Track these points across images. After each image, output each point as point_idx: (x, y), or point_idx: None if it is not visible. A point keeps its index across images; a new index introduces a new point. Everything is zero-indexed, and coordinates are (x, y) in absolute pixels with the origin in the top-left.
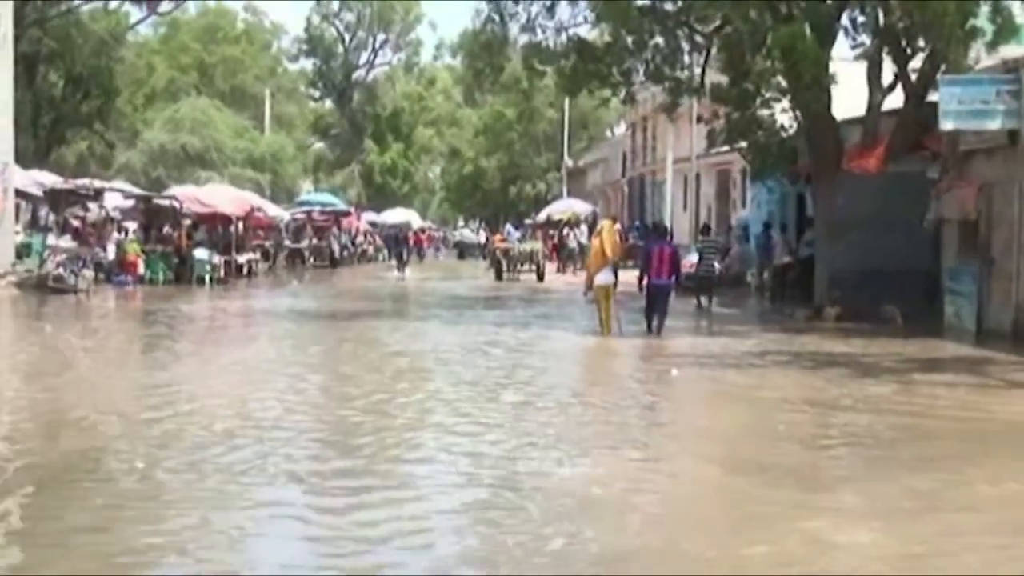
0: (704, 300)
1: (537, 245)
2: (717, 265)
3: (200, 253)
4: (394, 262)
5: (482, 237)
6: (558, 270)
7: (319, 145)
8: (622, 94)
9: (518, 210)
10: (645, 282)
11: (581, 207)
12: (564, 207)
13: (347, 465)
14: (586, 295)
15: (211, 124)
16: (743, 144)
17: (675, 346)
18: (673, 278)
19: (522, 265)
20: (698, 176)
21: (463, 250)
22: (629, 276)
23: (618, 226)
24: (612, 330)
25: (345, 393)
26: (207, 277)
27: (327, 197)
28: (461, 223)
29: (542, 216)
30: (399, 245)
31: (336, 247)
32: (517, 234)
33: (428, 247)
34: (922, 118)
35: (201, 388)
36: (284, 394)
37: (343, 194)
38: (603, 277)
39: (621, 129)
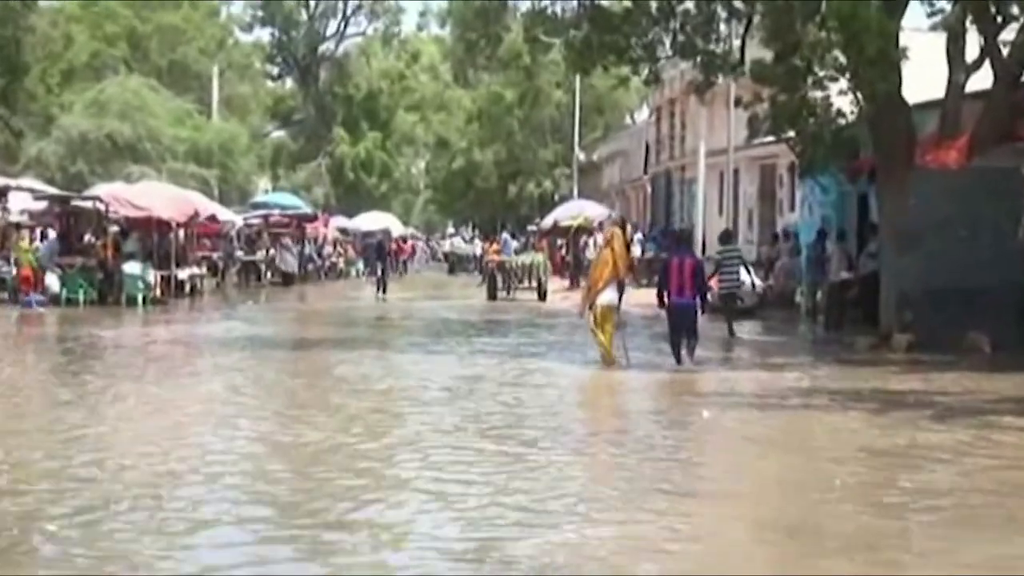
0: (729, 325)
1: (538, 257)
2: (746, 280)
3: (131, 267)
4: (371, 278)
5: (477, 247)
6: (570, 287)
7: (278, 134)
8: (645, 72)
9: (519, 213)
10: (666, 302)
11: (594, 210)
12: (574, 210)
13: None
14: (583, 315)
15: (145, 108)
16: (791, 133)
17: (704, 382)
18: (697, 297)
19: (521, 281)
20: (736, 172)
21: (454, 263)
22: (641, 295)
23: (638, 235)
24: (615, 361)
25: (291, 446)
26: (139, 297)
27: (288, 198)
28: (450, 229)
29: (548, 221)
30: (379, 258)
31: (291, 260)
32: (515, 244)
33: (412, 259)
34: (1015, 101)
35: (107, 439)
36: (212, 447)
37: (307, 194)
38: (606, 296)
39: (643, 115)
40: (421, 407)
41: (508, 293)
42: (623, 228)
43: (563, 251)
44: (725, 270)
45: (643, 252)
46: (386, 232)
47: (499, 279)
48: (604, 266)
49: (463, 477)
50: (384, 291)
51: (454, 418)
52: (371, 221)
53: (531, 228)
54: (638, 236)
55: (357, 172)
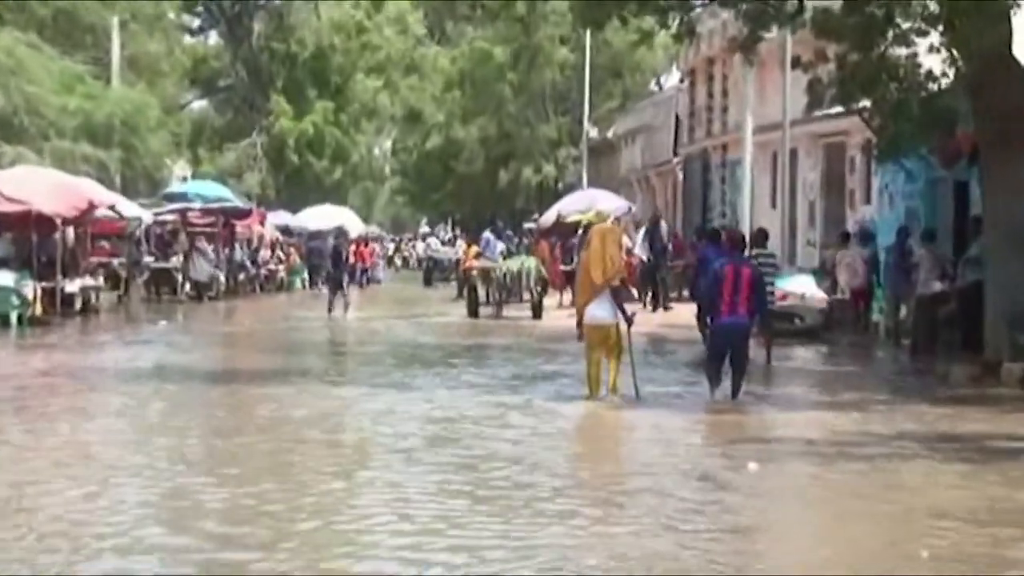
0: (767, 349)
1: (529, 262)
2: (807, 292)
3: (2, 278)
4: (322, 290)
5: (459, 251)
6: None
7: (199, 105)
8: (675, 24)
9: (512, 207)
10: (709, 322)
11: (609, 203)
12: (583, 203)
13: None
14: (581, 338)
15: (21, 71)
16: (866, 103)
17: (747, 424)
18: (750, 315)
19: (510, 294)
20: (794, 154)
21: (430, 271)
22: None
23: (642, 232)
24: (598, 392)
25: (188, 517)
26: (12, 316)
27: (213, 188)
28: (424, 228)
29: (549, 217)
30: (336, 265)
31: (205, 267)
32: (501, 245)
33: (374, 266)
34: None
35: None
36: (94, 512)
37: (238, 183)
38: (595, 312)
39: (673, 80)
40: (383, 463)
41: (496, 310)
42: (657, 223)
43: (567, 255)
44: None
45: (649, 259)
46: (341, 231)
47: (481, 291)
48: (586, 273)
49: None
50: (345, 308)
51: (431, 476)
52: (321, 217)
53: (528, 225)
54: (639, 236)
55: (302, 153)
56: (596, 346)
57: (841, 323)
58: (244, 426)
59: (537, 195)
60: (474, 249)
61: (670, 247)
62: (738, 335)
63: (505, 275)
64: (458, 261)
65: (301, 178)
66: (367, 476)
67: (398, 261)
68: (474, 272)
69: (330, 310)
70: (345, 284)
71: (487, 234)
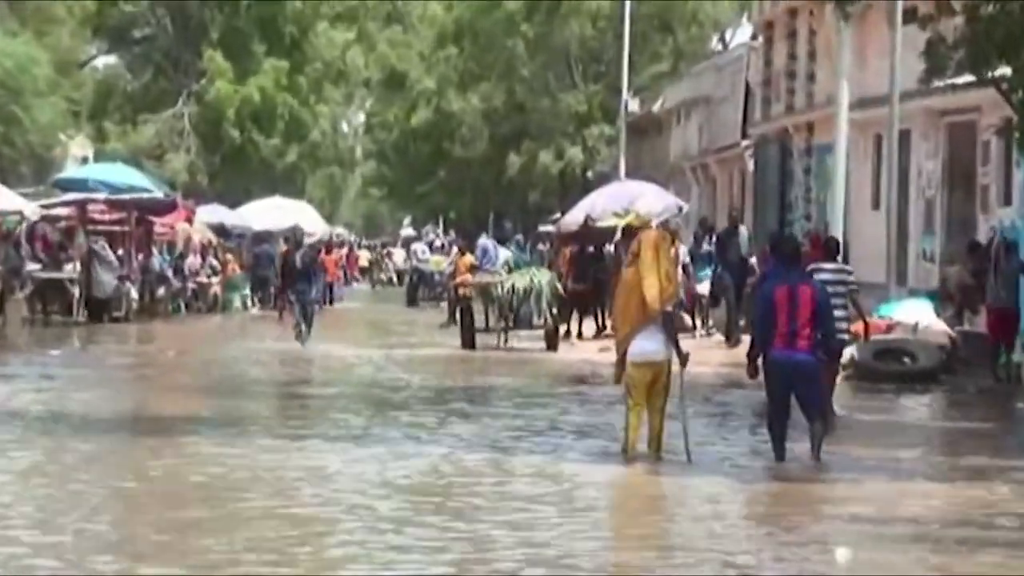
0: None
1: (543, 276)
2: (925, 321)
3: None
4: (266, 310)
5: (450, 261)
6: (598, 331)
7: (106, 63)
8: None
9: (524, 203)
10: (761, 358)
11: (654, 200)
12: (619, 199)
13: None
14: (619, 381)
15: None
16: (1005, 70)
17: (829, 497)
18: (814, 348)
19: (517, 319)
20: (906, 136)
21: (415, 287)
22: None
23: (683, 249)
24: (633, 451)
25: None
26: None
27: (122, 173)
28: (407, 229)
29: (573, 218)
30: (301, 278)
31: (106, 279)
32: (505, 253)
33: (343, 280)
34: None
35: None
36: None
37: (158, 167)
38: (645, 346)
39: (743, 36)
40: (314, 559)
41: (498, 339)
42: (665, 232)
43: (580, 270)
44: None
45: (720, 277)
46: (295, 232)
47: (479, 315)
48: (631, 293)
49: None
50: (306, 332)
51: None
52: (269, 214)
53: (545, 229)
54: (683, 250)
55: (245, 128)
56: (640, 390)
57: (970, 364)
58: (147, 498)
59: (558, 188)
60: (468, 259)
61: (753, 261)
62: (799, 375)
63: (510, 293)
64: (451, 275)
65: (243, 161)
66: None
67: (382, 275)
68: (469, 290)
69: (298, 337)
70: (308, 302)
71: (485, 240)
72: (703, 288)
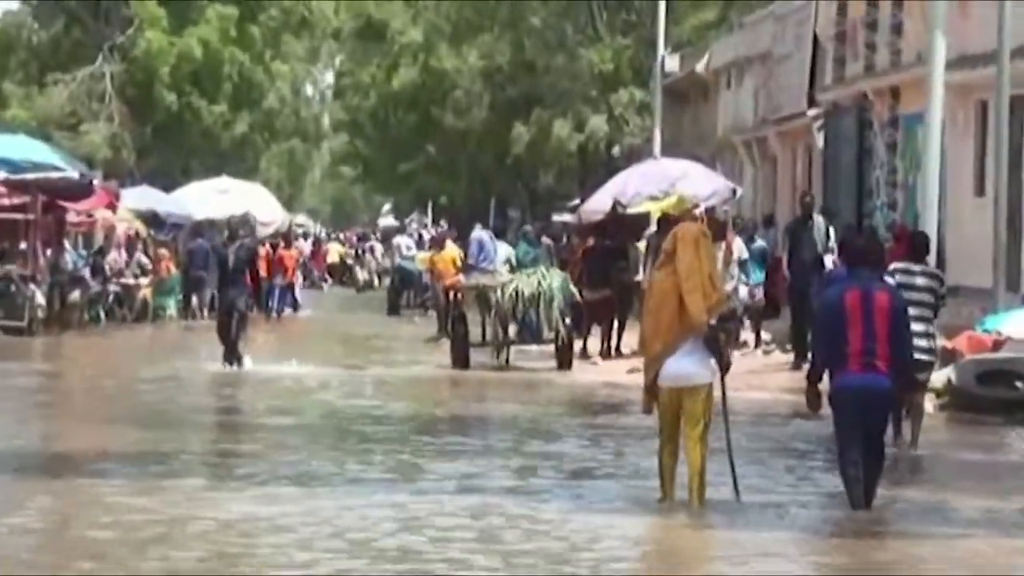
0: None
1: (555, 278)
2: (989, 333)
3: None
4: (196, 320)
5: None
6: (608, 352)
7: (5, 10)
8: None
9: (534, 187)
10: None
11: (699, 182)
12: (655, 180)
13: None
14: (649, 411)
15: None
16: None
17: (918, 554)
18: (896, 371)
19: (523, 330)
20: (1020, 104)
21: (397, 292)
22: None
23: (741, 243)
24: (671, 495)
25: None
26: None
27: (25, 146)
28: (387, 218)
29: (597, 203)
30: (232, 282)
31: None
32: (506, 250)
33: (307, 283)
34: None
35: None
36: None
37: (72, 140)
38: (680, 367)
39: None
40: None
41: (498, 355)
42: (712, 221)
43: (596, 272)
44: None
45: (796, 278)
46: (246, 223)
47: (474, 325)
48: (663, 302)
49: None
50: (236, 358)
51: None
52: (212, 199)
53: (560, 218)
54: (739, 244)
55: (183, 92)
56: (671, 421)
57: None
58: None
59: (577, 168)
60: (450, 253)
61: (834, 258)
62: (876, 405)
63: (513, 299)
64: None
65: (180, 133)
66: None
67: (362, 275)
68: (463, 291)
69: (228, 359)
70: (241, 315)
71: (480, 232)
72: (744, 292)
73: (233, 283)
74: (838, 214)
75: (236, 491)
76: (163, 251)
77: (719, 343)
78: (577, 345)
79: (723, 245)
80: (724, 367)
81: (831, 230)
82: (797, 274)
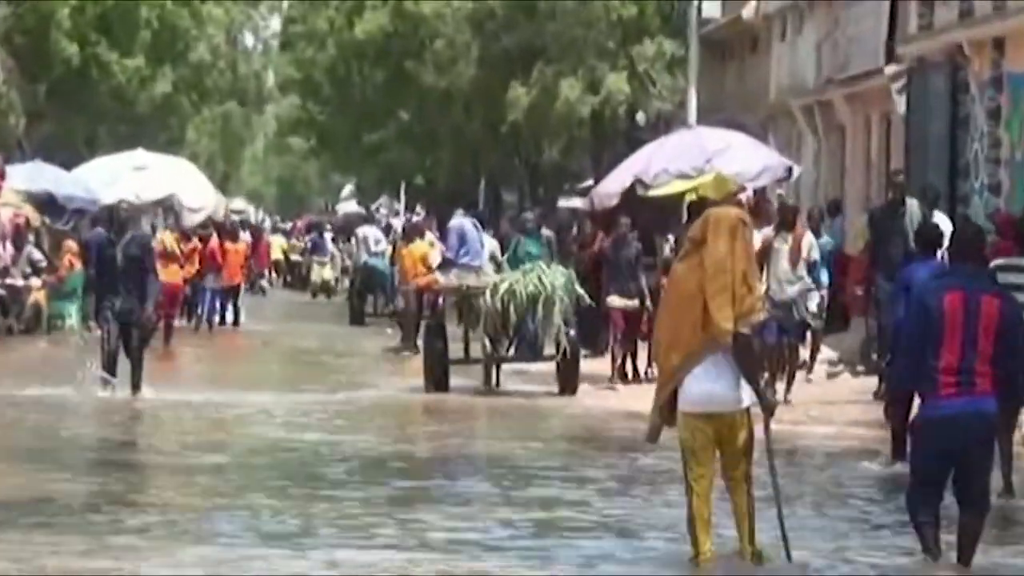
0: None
1: (557, 276)
2: None
3: None
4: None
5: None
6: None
7: None
8: None
9: (535, 163)
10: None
11: (749, 156)
12: (689, 154)
13: None
14: (653, 439)
15: None
16: None
17: None
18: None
19: (519, 343)
20: None
21: (361, 296)
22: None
23: (812, 238)
24: (709, 553)
25: None
26: None
27: None
28: (349, 203)
29: (615, 183)
30: (123, 283)
31: None
32: (491, 244)
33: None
34: None
35: None
36: None
37: None
38: (707, 387)
39: None
40: None
41: (485, 376)
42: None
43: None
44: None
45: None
46: (168, 209)
47: (453, 339)
48: (685, 302)
49: None
50: (134, 381)
51: None
52: (127, 177)
53: (568, 204)
54: (810, 240)
55: (87, 42)
56: (708, 456)
57: None
58: None
59: (590, 139)
60: (420, 246)
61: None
62: (978, 435)
63: (503, 303)
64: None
65: (84, 95)
66: None
67: (319, 275)
68: (438, 298)
69: (105, 380)
70: (141, 329)
71: (460, 220)
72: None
73: (128, 285)
74: (939, 196)
75: (123, 544)
76: (69, 243)
77: (751, 360)
78: (594, 365)
79: (789, 238)
80: (761, 397)
81: (919, 215)
82: (886, 275)
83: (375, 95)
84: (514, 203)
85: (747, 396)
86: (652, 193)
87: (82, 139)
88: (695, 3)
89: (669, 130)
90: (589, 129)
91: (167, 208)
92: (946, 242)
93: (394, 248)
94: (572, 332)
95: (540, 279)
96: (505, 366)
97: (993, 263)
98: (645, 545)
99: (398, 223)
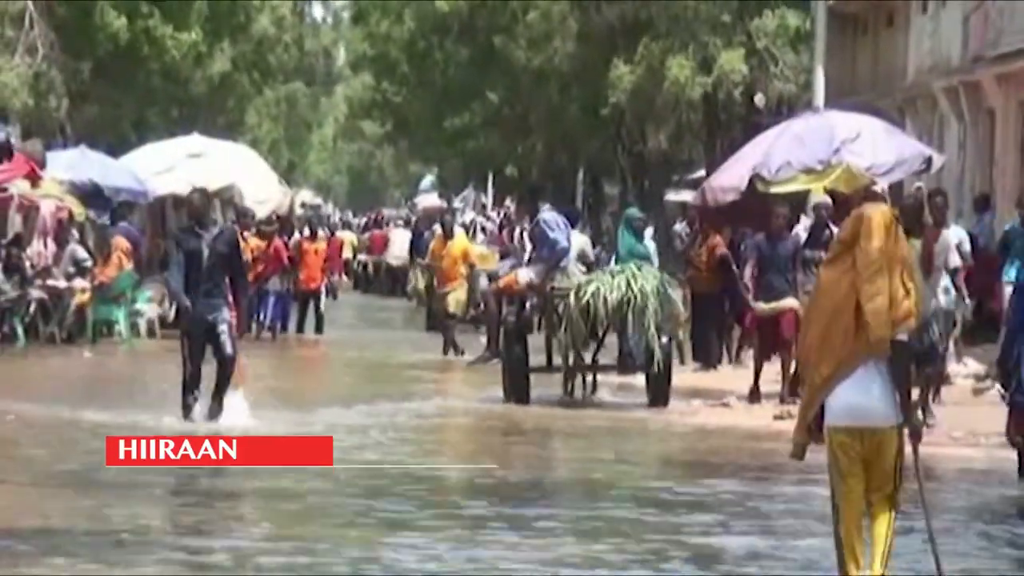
0: None
1: (650, 278)
2: None
3: None
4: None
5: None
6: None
7: None
8: None
9: (641, 154)
10: None
11: (881, 145)
12: (814, 144)
13: None
14: (799, 455)
15: None
16: None
17: None
18: None
19: (598, 349)
20: None
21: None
22: None
23: (957, 229)
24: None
25: None
26: None
27: None
28: (429, 195)
29: (731, 177)
30: (209, 283)
31: None
32: (579, 240)
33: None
34: None
35: None
36: None
37: None
38: (854, 398)
39: None
40: None
41: (568, 386)
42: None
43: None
44: None
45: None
46: (224, 201)
47: (554, 339)
48: (836, 307)
49: None
50: (216, 405)
51: None
52: (181, 166)
53: (676, 198)
54: (955, 233)
55: (136, 15)
56: (856, 476)
57: None
58: None
59: (703, 124)
60: (460, 241)
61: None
62: None
63: (590, 307)
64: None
65: (132, 72)
66: None
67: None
68: (511, 300)
69: (187, 406)
70: (228, 337)
71: (549, 215)
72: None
73: (208, 291)
74: None
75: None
76: (120, 239)
77: (907, 371)
78: (703, 379)
79: (917, 245)
80: (908, 415)
81: None
82: None
83: (459, 74)
84: (615, 196)
85: (896, 411)
86: (774, 190)
87: (131, 123)
88: None
89: (792, 115)
90: (701, 113)
91: (226, 201)
92: None
93: (415, 246)
94: (665, 340)
95: (629, 282)
96: (599, 375)
97: None
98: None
99: (484, 222)
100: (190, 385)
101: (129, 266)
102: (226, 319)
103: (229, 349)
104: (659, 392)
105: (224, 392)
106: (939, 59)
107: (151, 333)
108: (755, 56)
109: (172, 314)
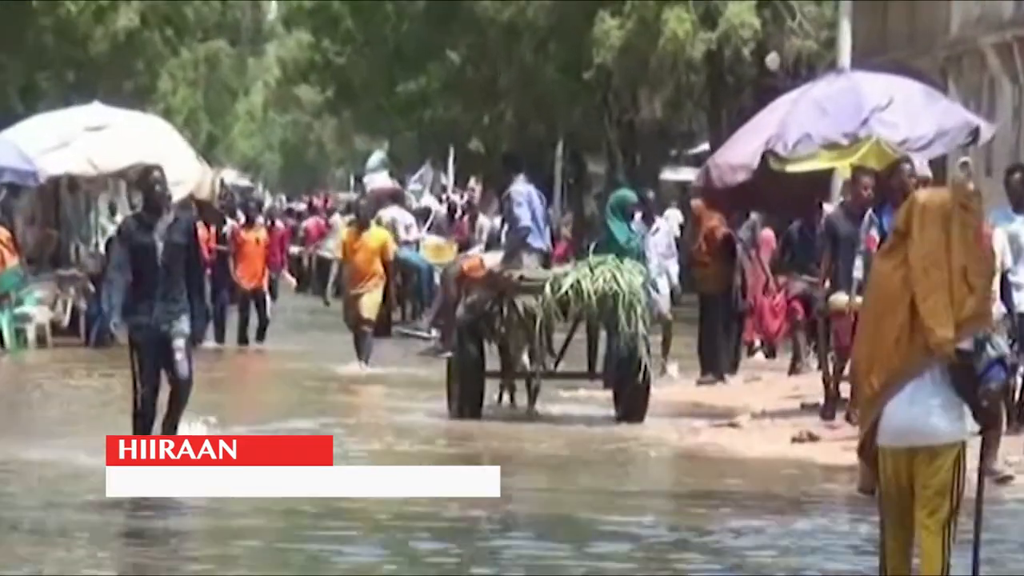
0: None
1: (632, 274)
2: None
3: None
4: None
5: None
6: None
7: None
8: None
9: (630, 124)
10: None
11: (919, 115)
12: (838, 114)
13: None
14: (866, 489)
15: None
16: None
17: None
18: None
19: (562, 355)
20: None
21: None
22: None
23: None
24: None
25: None
26: None
27: None
28: (378, 174)
29: (743, 150)
30: (159, 295)
31: None
32: (561, 219)
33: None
34: None
35: None
36: None
37: None
38: (906, 413)
39: None
40: None
41: (531, 396)
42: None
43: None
44: None
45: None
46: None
47: (507, 348)
48: (887, 308)
49: None
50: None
51: None
52: (80, 141)
53: (673, 176)
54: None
55: None
56: (905, 499)
57: None
58: None
59: (705, 91)
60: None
61: None
62: None
63: (562, 304)
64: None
65: (19, 29)
66: None
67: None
68: (474, 292)
69: (140, 425)
70: (184, 356)
71: (522, 187)
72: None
73: (165, 294)
74: None
75: None
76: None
77: (969, 376)
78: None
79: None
80: (984, 414)
81: None
82: None
83: (413, 30)
84: (601, 175)
85: (961, 427)
86: (791, 169)
87: (17, 90)
88: None
89: (812, 78)
90: (703, 76)
91: (132, 184)
92: None
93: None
94: (647, 343)
95: (615, 276)
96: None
97: None
98: None
99: (437, 207)
100: (143, 414)
101: (13, 261)
102: (184, 332)
103: (185, 370)
104: (635, 406)
105: (177, 421)
106: (988, 10)
107: (41, 341)
108: (768, 7)
109: (67, 319)
